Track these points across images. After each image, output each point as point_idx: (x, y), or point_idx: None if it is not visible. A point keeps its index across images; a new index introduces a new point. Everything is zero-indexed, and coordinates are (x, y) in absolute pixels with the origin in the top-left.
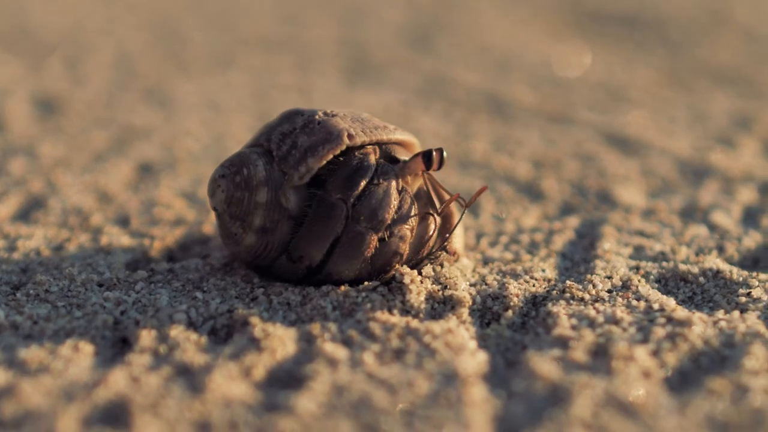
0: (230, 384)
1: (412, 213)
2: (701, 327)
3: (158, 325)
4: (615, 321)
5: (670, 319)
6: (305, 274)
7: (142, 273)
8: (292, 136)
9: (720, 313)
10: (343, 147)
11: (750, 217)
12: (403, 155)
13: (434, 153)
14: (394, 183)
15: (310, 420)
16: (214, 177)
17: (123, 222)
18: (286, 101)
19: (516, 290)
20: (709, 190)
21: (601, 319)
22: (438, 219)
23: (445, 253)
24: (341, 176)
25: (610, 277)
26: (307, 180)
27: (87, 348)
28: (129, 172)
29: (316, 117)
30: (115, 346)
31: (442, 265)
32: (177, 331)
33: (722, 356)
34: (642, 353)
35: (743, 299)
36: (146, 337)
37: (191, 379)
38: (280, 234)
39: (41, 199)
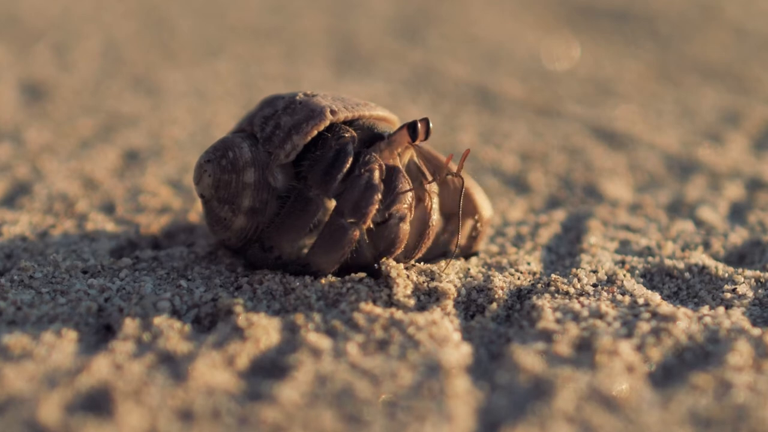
0: (213, 372)
1: (407, 188)
2: (686, 322)
3: (142, 312)
4: (599, 315)
5: (654, 314)
6: (275, 265)
7: (126, 260)
8: (274, 118)
9: (705, 309)
10: (327, 123)
11: (736, 213)
12: (388, 130)
13: (419, 124)
14: (377, 173)
15: (293, 409)
16: (199, 163)
17: (108, 209)
18: (273, 90)
19: (501, 283)
20: (696, 186)
21: (585, 313)
22: (436, 204)
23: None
24: (320, 169)
25: (595, 271)
26: (293, 158)
27: (70, 334)
28: (115, 159)
29: (297, 98)
30: (99, 333)
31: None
32: (161, 319)
33: (706, 352)
34: (626, 348)
35: (728, 295)
36: (130, 324)
37: (174, 367)
38: (269, 215)
39: (27, 185)
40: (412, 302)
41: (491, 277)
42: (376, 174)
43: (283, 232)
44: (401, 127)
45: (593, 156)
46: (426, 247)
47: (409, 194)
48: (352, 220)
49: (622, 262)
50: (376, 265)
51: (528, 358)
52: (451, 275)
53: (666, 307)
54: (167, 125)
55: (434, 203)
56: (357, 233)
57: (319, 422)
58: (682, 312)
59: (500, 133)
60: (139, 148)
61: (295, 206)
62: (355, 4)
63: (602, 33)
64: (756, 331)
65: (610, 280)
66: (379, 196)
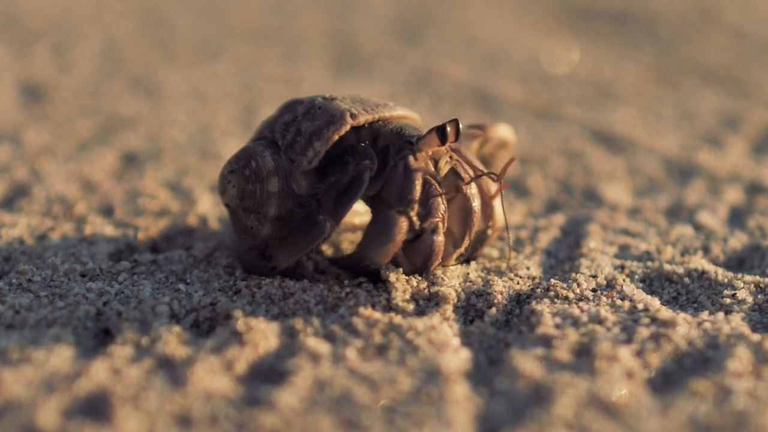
0: (212, 377)
1: (438, 198)
2: (685, 328)
3: (140, 316)
4: (599, 320)
5: (654, 320)
6: (269, 273)
7: (125, 264)
8: (295, 124)
9: (704, 314)
10: (348, 127)
11: (736, 218)
12: (413, 130)
13: (448, 126)
14: (412, 159)
15: (291, 415)
16: (223, 174)
17: (107, 212)
18: (273, 92)
19: (500, 288)
20: (696, 190)
21: (585, 318)
22: (475, 190)
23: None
24: (333, 194)
25: (594, 276)
26: (315, 164)
27: (69, 339)
28: (114, 162)
29: (316, 102)
30: (97, 337)
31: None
32: (159, 324)
33: (706, 358)
34: (625, 353)
35: (728, 300)
36: (128, 328)
37: (173, 371)
38: (296, 221)
39: (25, 187)
40: (411, 307)
41: (491, 282)
42: (411, 159)
43: (285, 245)
44: (430, 131)
45: (592, 160)
46: (468, 245)
47: (442, 205)
48: (399, 209)
49: (622, 267)
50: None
51: (527, 363)
52: (452, 280)
53: (665, 313)
54: (166, 127)
55: (476, 203)
56: (406, 221)
57: (317, 428)
58: (682, 317)
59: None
60: (137, 150)
61: (303, 225)
62: (354, 5)
63: (602, 35)
64: (755, 337)
65: (610, 284)
66: (420, 176)
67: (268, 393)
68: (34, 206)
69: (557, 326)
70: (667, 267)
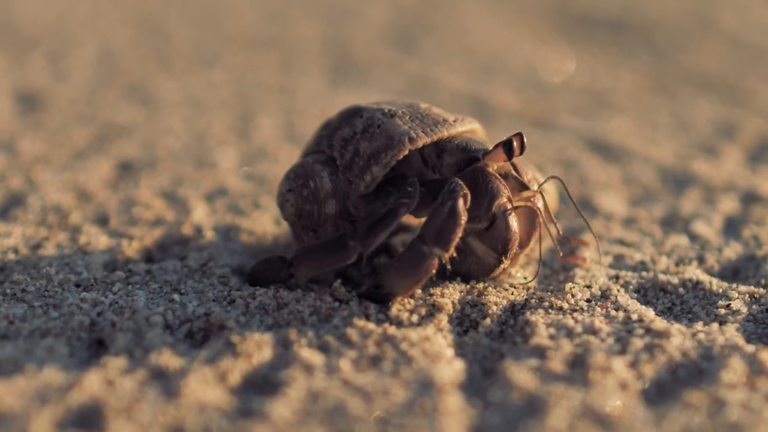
0: (205, 389)
1: (499, 184)
2: (679, 339)
3: (134, 327)
4: (593, 331)
5: (648, 330)
6: (282, 281)
7: (119, 274)
8: (353, 142)
9: (699, 325)
10: (405, 152)
11: (731, 228)
12: (478, 144)
13: (514, 141)
14: (461, 201)
15: (285, 427)
16: (281, 191)
17: (102, 221)
18: (269, 101)
19: (495, 298)
20: (691, 199)
21: (579, 329)
22: (541, 196)
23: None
24: (367, 223)
25: (589, 287)
26: (372, 188)
27: (62, 349)
28: (109, 171)
29: (376, 120)
30: (91, 348)
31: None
32: (153, 334)
33: (700, 369)
34: (619, 364)
35: (722, 311)
36: (122, 339)
37: (166, 383)
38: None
39: (20, 197)
40: (405, 317)
41: (485, 292)
42: (460, 202)
43: (308, 258)
44: (496, 146)
45: (588, 169)
46: (532, 246)
47: (504, 189)
48: (435, 249)
49: (616, 277)
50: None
51: (521, 375)
52: (447, 290)
53: (660, 323)
54: (162, 135)
55: (540, 204)
56: (436, 262)
57: None
58: (676, 328)
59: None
60: (133, 159)
61: (332, 244)
62: (350, 13)
63: (598, 43)
64: (750, 348)
65: (604, 295)
66: (463, 223)
67: (262, 404)
68: (29, 216)
69: (551, 337)
70: (662, 277)
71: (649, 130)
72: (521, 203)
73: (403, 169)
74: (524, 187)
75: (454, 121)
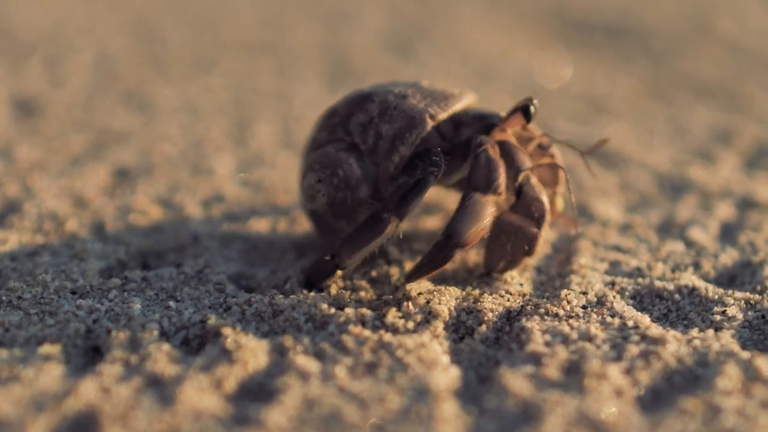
0: (201, 396)
1: (524, 156)
2: (675, 345)
3: (130, 334)
4: (589, 338)
5: (644, 337)
6: (331, 274)
7: (115, 281)
8: (373, 126)
9: (694, 332)
10: (429, 129)
11: (727, 234)
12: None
13: (531, 106)
14: (491, 150)
15: None
16: (310, 183)
17: (98, 228)
18: (266, 107)
19: (491, 305)
20: (687, 206)
21: (574, 335)
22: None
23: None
24: (398, 194)
25: (585, 293)
26: (401, 168)
27: (58, 357)
28: (105, 177)
29: (390, 102)
30: (87, 355)
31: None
32: (149, 341)
33: (695, 375)
34: (615, 371)
35: (718, 317)
36: (118, 346)
37: (162, 390)
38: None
39: (16, 204)
40: (401, 324)
41: (481, 299)
42: (491, 151)
43: (350, 245)
44: (514, 112)
45: (584, 175)
46: (561, 207)
47: (527, 158)
48: (488, 195)
49: (612, 284)
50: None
51: (516, 382)
52: (443, 296)
53: (655, 330)
54: (158, 142)
55: (561, 163)
56: (494, 205)
57: None
58: (672, 335)
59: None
60: (129, 166)
61: (367, 223)
62: (347, 19)
63: (595, 49)
64: (745, 355)
65: (600, 301)
66: (503, 169)
67: (257, 412)
68: (25, 222)
69: (547, 344)
70: (658, 283)
71: (646, 135)
72: (545, 161)
73: (423, 146)
74: (543, 148)
75: (461, 94)
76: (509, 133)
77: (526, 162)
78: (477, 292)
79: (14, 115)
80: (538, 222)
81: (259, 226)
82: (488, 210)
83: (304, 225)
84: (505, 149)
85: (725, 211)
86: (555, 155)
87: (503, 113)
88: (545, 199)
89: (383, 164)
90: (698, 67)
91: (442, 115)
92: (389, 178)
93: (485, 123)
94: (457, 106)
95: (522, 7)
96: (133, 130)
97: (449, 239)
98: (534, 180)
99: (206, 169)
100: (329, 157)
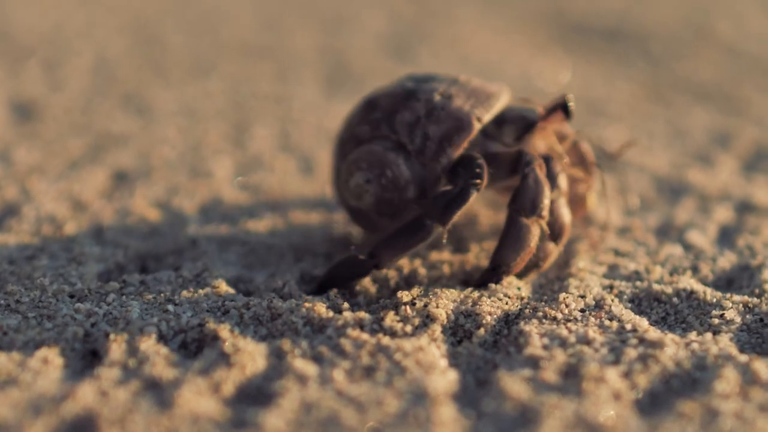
0: (199, 399)
1: (561, 174)
2: (673, 349)
3: (128, 338)
4: (587, 341)
5: (642, 340)
6: (365, 273)
7: (114, 284)
8: (420, 127)
9: (692, 335)
10: (476, 132)
11: (725, 237)
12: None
13: (570, 103)
14: (539, 171)
15: None
16: (358, 183)
17: (96, 231)
18: (264, 110)
19: (489, 308)
20: (686, 209)
21: (572, 339)
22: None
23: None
24: (442, 201)
25: (583, 296)
26: (448, 169)
27: (56, 360)
28: (104, 180)
29: (436, 102)
30: (85, 359)
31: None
32: (147, 345)
33: (693, 379)
34: (613, 374)
35: (716, 321)
36: (116, 350)
37: (160, 393)
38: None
39: (15, 207)
40: (399, 327)
41: (479, 302)
42: (538, 171)
43: (390, 246)
44: (553, 110)
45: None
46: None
47: (566, 181)
48: (532, 218)
49: (611, 287)
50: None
51: (515, 385)
52: (441, 300)
53: (653, 333)
54: (157, 145)
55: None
56: (539, 229)
57: None
58: (670, 338)
59: (550, 108)
60: (128, 169)
61: (409, 227)
62: (346, 23)
63: (594, 52)
64: (743, 358)
65: (598, 305)
66: (549, 191)
67: (255, 415)
68: (23, 226)
69: (545, 347)
70: (656, 287)
71: (645, 138)
72: (579, 174)
73: (468, 148)
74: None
75: (499, 91)
76: (550, 132)
77: (563, 184)
78: (475, 295)
79: (13, 118)
80: (556, 239)
81: (258, 229)
82: (533, 234)
83: (302, 228)
84: (549, 169)
85: (724, 214)
86: (588, 152)
87: (540, 109)
88: (568, 219)
89: (430, 165)
90: (697, 70)
91: (488, 117)
92: (435, 178)
93: (527, 122)
94: (498, 106)
95: (521, 9)
96: (131, 134)
97: (497, 269)
98: (563, 200)
99: (205, 173)
100: (377, 157)
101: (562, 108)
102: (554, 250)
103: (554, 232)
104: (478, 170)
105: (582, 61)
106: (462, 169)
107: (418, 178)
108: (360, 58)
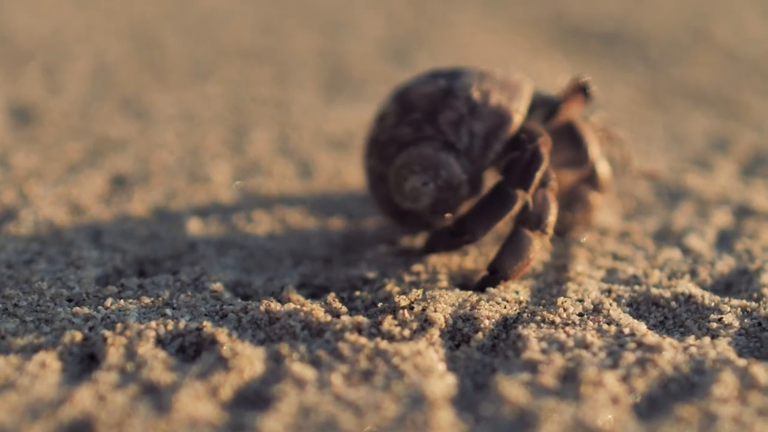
0: (196, 403)
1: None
2: (671, 353)
3: (126, 342)
4: (585, 345)
5: (640, 344)
6: (457, 246)
7: (112, 288)
8: (465, 125)
9: (691, 339)
10: (518, 126)
11: (724, 241)
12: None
13: (589, 86)
14: (544, 148)
15: None
16: (414, 186)
17: (95, 235)
18: (263, 114)
19: (487, 312)
20: (684, 213)
21: (571, 343)
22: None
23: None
24: (518, 169)
25: (581, 300)
26: (494, 163)
27: (54, 364)
28: (102, 184)
29: (476, 99)
30: (83, 363)
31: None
32: (145, 349)
33: (691, 383)
34: (611, 379)
35: (714, 325)
36: (114, 354)
37: (157, 397)
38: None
39: (13, 211)
40: (397, 331)
41: (477, 306)
42: (549, 192)
43: (481, 220)
44: (575, 93)
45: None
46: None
47: (596, 145)
48: (536, 232)
49: (609, 291)
50: None
51: (513, 389)
52: (440, 303)
53: (652, 337)
54: (155, 149)
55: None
56: (540, 245)
57: None
58: (668, 342)
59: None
60: (126, 173)
61: (494, 198)
62: (345, 27)
63: (593, 56)
64: (741, 362)
65: (597, 309)
66: (556, 209)
67: (253, 419)
68: (21, 230)
69: (543, 351)
70: (654, 291)
71: (644, 143)
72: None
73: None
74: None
75: (523, 80)
76: (574, 113)
77: (595, 149)
78: (474, 299)
79: (11, 122)
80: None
81: (256, 233)
82: (534, 248)
83: (300, 233)
84: (575, 130)
85: (722, 218)
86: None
87: (561, 93)
88: (607, 177)
89: (478, 161)
90: (695, 74)
91: (524, 109)
92: (483, 173)
93: (550, 106)
94: (528, 94)
95: (519, 13)
96: (130, 138)
97: (495, 275)
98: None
99: (203, 177)
100: (429, 159)
101: (582, 91)
102: (599, 199)
103: (596, 186)
104: (536, 130)
105: (581, 65)
106: (522, 134)
107: (469, 174)
108: (359, 62)
